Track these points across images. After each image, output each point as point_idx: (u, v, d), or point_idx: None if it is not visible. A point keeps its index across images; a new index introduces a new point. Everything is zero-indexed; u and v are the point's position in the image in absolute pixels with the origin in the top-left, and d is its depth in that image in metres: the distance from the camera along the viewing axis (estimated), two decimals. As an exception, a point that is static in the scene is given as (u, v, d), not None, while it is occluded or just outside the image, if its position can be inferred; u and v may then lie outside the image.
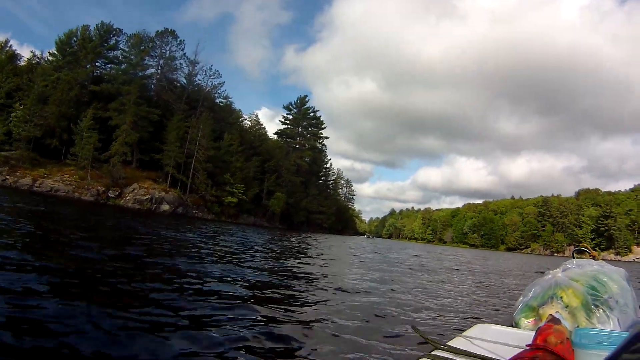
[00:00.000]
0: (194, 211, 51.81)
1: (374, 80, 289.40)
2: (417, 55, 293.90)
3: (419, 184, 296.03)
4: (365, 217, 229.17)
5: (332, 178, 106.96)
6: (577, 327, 1.67)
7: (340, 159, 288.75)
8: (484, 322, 2.18)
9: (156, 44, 57.40)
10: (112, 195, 45.53)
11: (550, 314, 1.78)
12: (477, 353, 1.37)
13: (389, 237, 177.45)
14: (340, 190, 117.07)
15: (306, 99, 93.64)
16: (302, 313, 4.92)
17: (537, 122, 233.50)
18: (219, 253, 10.49)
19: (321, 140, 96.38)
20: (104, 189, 45.39)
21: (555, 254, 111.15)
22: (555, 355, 1.00)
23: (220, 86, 65.91)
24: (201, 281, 5.83)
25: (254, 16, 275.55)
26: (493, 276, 15.77)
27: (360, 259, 16.66)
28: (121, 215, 25.60)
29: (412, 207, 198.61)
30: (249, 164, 61.11)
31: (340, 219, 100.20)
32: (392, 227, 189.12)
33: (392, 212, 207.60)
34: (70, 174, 44.76)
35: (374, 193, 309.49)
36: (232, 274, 7.08)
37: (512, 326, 2.02)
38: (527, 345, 1.10)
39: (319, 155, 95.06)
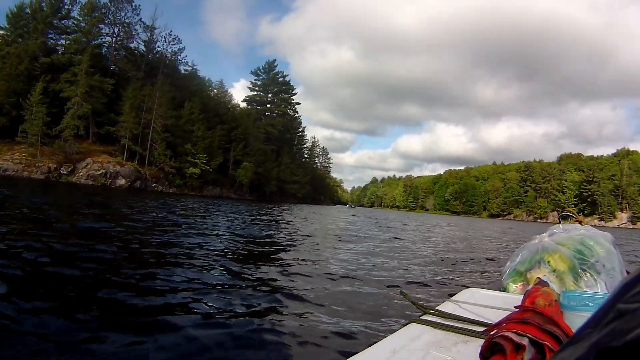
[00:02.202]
0: (154, 185, 51.83)
1: (352, 48, 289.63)
2: (395, 23, 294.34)
3: (400, 152, 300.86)
4: (348, 187, 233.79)
5: (307, 146, 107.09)
6: (565, 290, 1.73)
7: (320, 128, 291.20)
8: (473, 286, 2.25)
9: (110, 10, 56.07)
10: (65, 172, 45.09)
11: (538, 277, 1.81)
12: (466, 316, 1.43)
13: (371, 206, 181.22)
14: (317, 158, 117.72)
15: (275, 64, 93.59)
16: (288, 279, 5.26)
17: (516, 88, 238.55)
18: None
19: (293, 107, 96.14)
20: (55, 165, 44.87)
21: (539, 220, 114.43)
22: (544, 316, 1.04)
23: (181, 52, 65.15)
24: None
25: None
26: (479, 242, 16.14)
27: (343, 229, 16.51)
28: (69, 193, 25.26)
29: (394, 175, 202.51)
30: (213, 133, 60.95)
31: (316, 187, 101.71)
32: (373, 195, 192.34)
33: (374, 181, 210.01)
34: (21, 152, 44.07)
35: (355, 162, 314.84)
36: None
37: (500, 290, 2.09)
38: (515, 307, 1.14)
39: (291, 122, 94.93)
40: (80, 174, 45.86)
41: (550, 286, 1.47)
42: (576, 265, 1.88)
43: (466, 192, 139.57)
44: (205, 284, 4.60)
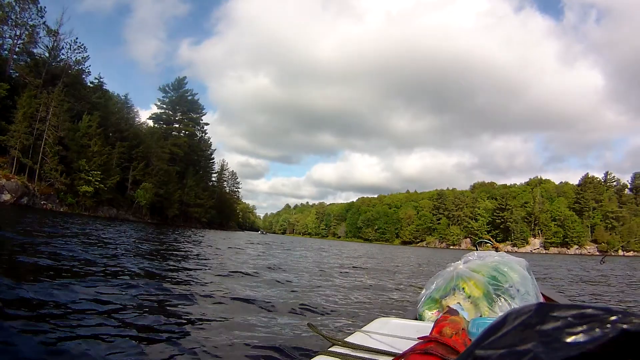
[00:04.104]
0: (42, 202, 50.26)
1: (269, 75, 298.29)
2: (313, 52, 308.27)
3: (314, 180, 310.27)
4: (262, 213, 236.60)
5: (214, 168, 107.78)
6: (480, 316, 1.86)
7: (235, 154, 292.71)
8: (385, 316, 2.38)
9: (14, 10, 54.05)
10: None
11: (448, 306, 1.91)
12: (375, 347, 1.45)
13: (283, 233, 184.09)
14: (225, 182, 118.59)
15: (184, 81, 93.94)
16: (192, 318, 4.94)
17: (430, 120, 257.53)
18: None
19: (202, 127, 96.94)
20: None
21: (451, 247, 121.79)
22: (447, 347, 1.06)
23: (85, 61, 64.08)
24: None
25: (151, 7, 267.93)
26: (393, 270, 16.54)
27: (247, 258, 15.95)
28: None
29: (307, 203, 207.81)
30: (114, 150, 60.49)
31: (223, 212, 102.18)
32: (286, 222, 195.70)
33: (287, 208, 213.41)
34: None
35: (269, 189, 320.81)
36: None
37: (416, 319, 2.19)
38: (419, 338, 1.16)
39: (198, 144, 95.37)
40: (-42, 188, 44.02)
41: (460, 314, 1.58)
42: (491, 291, 1.98)
43: (379, 219, 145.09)
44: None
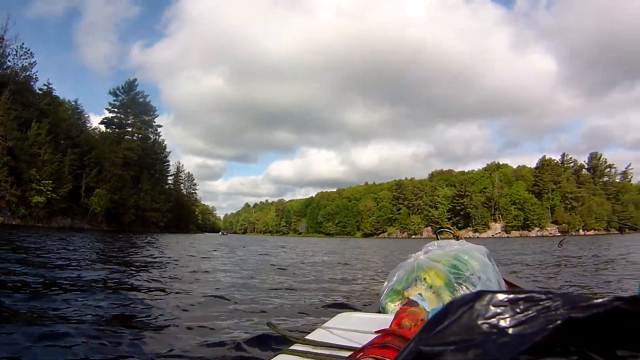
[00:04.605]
0: (-7, 216, 49.07)
1: (222, 74, 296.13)
2: (266, 49, 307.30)
3: (272, 177, 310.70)
4: (221, 213, 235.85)
5: (170, 171, 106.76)
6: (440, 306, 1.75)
7: (192, 156, 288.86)
8: (347, 311, 2.36)
9: None
10: None
11: (407, 297, 1.94)
12: (335, 343, 1.44)
13: (244, 232, 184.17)
14: (182, 185, 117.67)
15: (135, 83, 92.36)
16: (147, 323, 4.84)
17: (385, 112, 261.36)
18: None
19: (155, 130, 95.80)
20: None
21: (413, 236, 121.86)
22: (405, 339, 1.06)
23: (32, 67, 62.61)
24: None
25: (101, 10, 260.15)
26: (356, 263, 16.40)
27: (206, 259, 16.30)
28: None
29: (267, 200, 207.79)
30: (65, 158, 59.38)
31: (182, 215, 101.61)
32: (246, 221, 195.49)
33: (246, 207, 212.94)
34: None
35: (228, 189, 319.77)
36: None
37: (380, 312, 2.19)
38: (376, 332, 1.17)
39: (152, 146, 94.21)
40: None
41: (420, 305, 1.58)
42: (452, 280, 2.02)
43: (339, 213, 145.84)
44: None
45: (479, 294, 0.48)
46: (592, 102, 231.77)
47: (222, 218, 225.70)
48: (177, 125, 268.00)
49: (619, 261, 15.04)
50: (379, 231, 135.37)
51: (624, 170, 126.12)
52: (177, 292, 7.15)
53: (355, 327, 1.68)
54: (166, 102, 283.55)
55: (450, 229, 4.37)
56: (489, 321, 0.45)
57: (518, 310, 0.45)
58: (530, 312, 0.44)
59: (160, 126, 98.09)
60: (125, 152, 79.82)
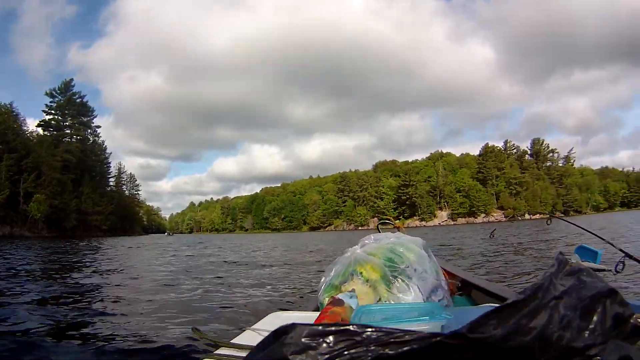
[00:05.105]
0: None
1: (162, 73, 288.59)
2: (206, 46, 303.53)
3: (217, 175, 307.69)
4: (167, 214, 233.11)
5: (111, 172, 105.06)
6: (379, 299, 1.90)
7: (134, 157, 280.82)
8: (279, 310, 2.34)
9: None
10: None
11: (332, 296, 1.92)
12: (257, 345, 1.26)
13: (190, 232, 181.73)
14: (124, 186, 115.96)
15: (72, 83, 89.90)
16: (66, 329, 4.73)
17: (327, 105, 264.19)
18: None
19: (94, 131, 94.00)
20: None
21: (360, 228, 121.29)
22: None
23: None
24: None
25: (38, 11, 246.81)
26: (296, 259, 16.12)
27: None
28: None
29: (212, 198, 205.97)
30: (1, 163, 58.16)
31: (125, 217, 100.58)
32: (192, 220, 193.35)
33: (191, 206, 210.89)
34: None
35: (172, 189, 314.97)
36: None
37: (318, 308, 2.19)
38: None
39: (92, 148, 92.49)
40: None
41: (345, 304, 1.59)
42: (387, 274, 2.00)
43: (284, 208, 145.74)
44: None
45: (294, 326, 0.47)
46: (532, 90, 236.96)
47: (167, 218, 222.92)
48: (118, 127, 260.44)
49: (551, 243, 16.02)
50: (326, 224, 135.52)
51: (566, 154, 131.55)
52: (101, 299, 6.96)
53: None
54: (106, 103, 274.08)
55: (391, 220, 4.38)
56: (298, 355, 0.44)
57: (329, 344, 0.44)
58: (339, 346, 0.43)
59: (99, 127, 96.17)
60: (64, 154, 77.83)
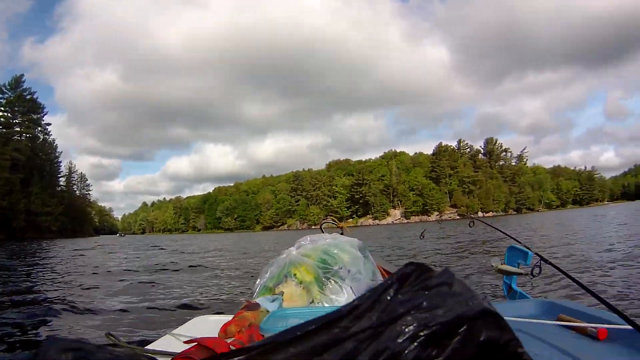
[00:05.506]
0: None
1: (116, 70, 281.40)
2: (161, 43, 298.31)
3: (169, 174, 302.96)
4: (120, 214, 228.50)
5: (62, 172, 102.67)
6: (312, 301, 1.88)
7: (87, 156, 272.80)
8: (206, 313, 2.29)
9: None
10: None
11: (247, 300, 1.88)
12: (170, 351, 1.29)
13: (142, 232, 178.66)
14: (75, 186, 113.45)
15: (22, 79, 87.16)
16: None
17: (282, 104, 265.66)
18: None
19: (44, 128, 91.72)
20: None
21: (313, 227, 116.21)
22: (208, 349, 1.01)
23: None
24: None
25: None
26: (238, 260, 16.05)
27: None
28: None
29: (164, 198, 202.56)
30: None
31: (76, 218, 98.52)
32: (144, 221, 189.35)
33: (144, 206, 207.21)
34: None
35: (125, 188, 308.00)
36: None
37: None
38: (184, 342, 1.12)
39: (42, 146, 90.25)
40: None
41: (261, 308, 1.57)
42: (320, 275, 1.98)
43: (237, 207, 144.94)
44: None
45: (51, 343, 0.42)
46: (486, 90, 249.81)
47: (120, 219, 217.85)
48: (71, 125, 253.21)
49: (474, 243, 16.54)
50: (279, 223, 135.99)
51: (519, 153, 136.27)
52: (22, 305, 6.77)
53: (206, 332, 1.50)
54: (60, 100, 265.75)
55: (334, 221, 4.35)
56: None
57: None
58: None
59: (49, 124, 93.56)
60: (12, 153, 75.80)
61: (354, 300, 0.45)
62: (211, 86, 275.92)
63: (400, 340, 0.40)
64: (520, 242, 2.78)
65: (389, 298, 0.44)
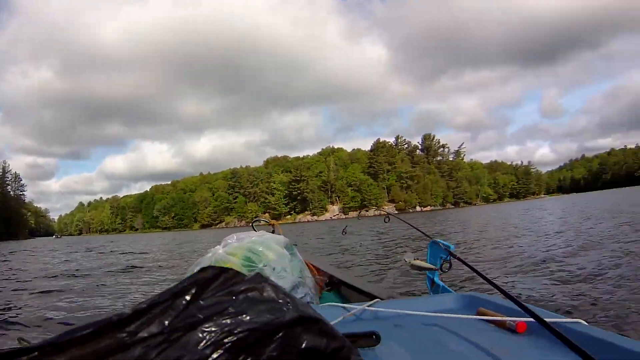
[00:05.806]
0: None
1: (52, 67, 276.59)
2: (97, 39, 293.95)
3: (106, 173, 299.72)
4: (57, 215, 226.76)
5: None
6: None
7: (22, 155, 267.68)
8: None
9: None
10: None
11: None
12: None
13: (79, 233, 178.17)
14: (9, 187, 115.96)
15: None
16: None
17: (219, 102, 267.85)
18: None
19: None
20: None
21: (251, 224, 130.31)
22: None
23: None
24: None
25: None
26: (167, 260, 15.84)
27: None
28: None
29: (101, 198, 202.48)
30: None
31: (10, 220, 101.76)
32: (81, 222, 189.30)
33: (80, 206, 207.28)
34: None
35: (61, 188, 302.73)
36: None
37: None
38: None
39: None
40: None
41: None
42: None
43: (174, 206, 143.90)
44: None
45: None
46: (423, 88, 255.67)
47: (56, 220, 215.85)
48: (6, 124, 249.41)
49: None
50: (217, 221, 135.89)
51: (456, 149, 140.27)
52: None
53: None
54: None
55: (264, 218, 4.51)
56: None
57: None
58: None
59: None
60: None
61: (140, 304, 0.43)
62: (148, 83, 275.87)
63: (201, 347, 0.39)
64: (430, 237, 2.61)
65: (184, 303, 0.43)
